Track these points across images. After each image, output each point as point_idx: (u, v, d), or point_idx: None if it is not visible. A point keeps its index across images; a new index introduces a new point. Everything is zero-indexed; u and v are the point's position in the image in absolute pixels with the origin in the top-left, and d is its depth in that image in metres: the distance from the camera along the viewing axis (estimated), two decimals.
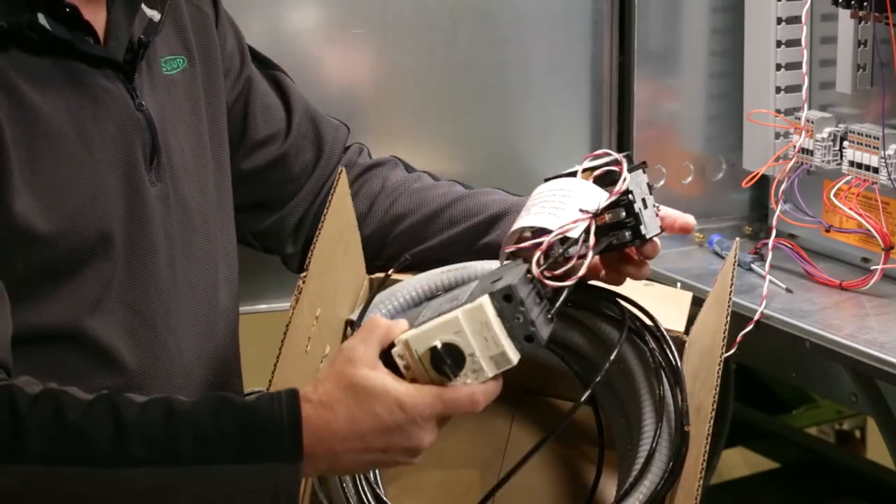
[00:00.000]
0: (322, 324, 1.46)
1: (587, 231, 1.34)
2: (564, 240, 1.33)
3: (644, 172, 1.40)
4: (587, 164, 1.42)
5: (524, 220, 1.38)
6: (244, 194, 1.67)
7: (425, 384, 1.24)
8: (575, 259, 1.32)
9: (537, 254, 1.30)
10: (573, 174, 1.42)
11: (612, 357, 1.40)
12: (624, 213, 1.37)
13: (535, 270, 1.29)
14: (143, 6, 1.49)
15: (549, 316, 1.28)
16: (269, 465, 1.23)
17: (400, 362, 1.24)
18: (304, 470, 1.24)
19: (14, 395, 1.24)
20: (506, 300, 1.23)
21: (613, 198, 1.37)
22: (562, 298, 1.30)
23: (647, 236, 1.39)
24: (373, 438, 1.24)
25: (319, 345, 1.46)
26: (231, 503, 1.25)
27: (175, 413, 1.24)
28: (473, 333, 1.23)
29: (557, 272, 1.30)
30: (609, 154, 1.41)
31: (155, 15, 1.51)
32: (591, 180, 1.40)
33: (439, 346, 1.23)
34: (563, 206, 1.37)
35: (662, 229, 1.43)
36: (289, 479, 1.24)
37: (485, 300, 1.23)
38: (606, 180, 1.40)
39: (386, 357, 1.25)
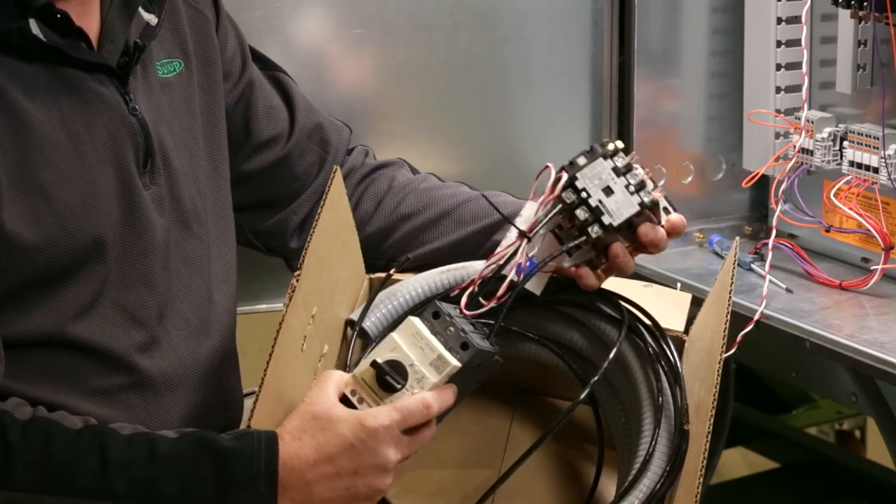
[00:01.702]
0: (319, 323, 1.46)
1: (517, 251, 1.40)
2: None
3: (607, 158, 1.41)
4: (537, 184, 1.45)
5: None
6: (247, 194, 1.67)
7: None
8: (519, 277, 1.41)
9: (465, 294, 1.41)
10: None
11: (610, 356, 1.41)
12: (585, 213, 1.40)
13: (462, 308, 1.39)
14: (141, 9, 1.49)
15: (487, 334, 1.39)
16: None
17: (354, 399, 1.34)
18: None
19: (4, 421, 1.29)
20: (434, 317, 1.35)
21: (541, 211, 1.41)
22: (498, 321, 1.41)
23: (614, 223, 1.40)
24: (341, 460, 1.31)
25: (317, 344, 1.46)
26: None
27: (158, 453, 1.30)
28: (409, 346, 1.34)
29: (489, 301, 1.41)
30: (548, 167, 1.43)
31: (152, 19, 1.50)
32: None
33: (380, 361, 1.33)
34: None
35: (646, 204, 1.42)
36: None
37: (412, 318, 1.35)
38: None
39: (344, 403, 1.34)
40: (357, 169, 1.74)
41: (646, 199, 1.41)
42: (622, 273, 1.48)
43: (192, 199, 1.53)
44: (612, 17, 2.13)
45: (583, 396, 1.40)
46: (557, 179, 1.40)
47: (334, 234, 1.51)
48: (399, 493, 1.53)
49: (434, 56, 2.05)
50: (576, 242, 1.41)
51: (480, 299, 1.41)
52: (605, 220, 1.40)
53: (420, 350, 1.34)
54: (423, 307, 1.39)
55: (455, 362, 1.33)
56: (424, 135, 2.08)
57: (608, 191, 1.40)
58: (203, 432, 1.34)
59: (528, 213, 1.43)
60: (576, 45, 2.13)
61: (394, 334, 1.35)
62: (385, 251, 1.69)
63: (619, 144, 1.42)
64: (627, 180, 1.41)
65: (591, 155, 1.41)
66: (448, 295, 1.47)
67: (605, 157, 1.41)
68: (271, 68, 1.74)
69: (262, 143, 1.69)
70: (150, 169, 1.48)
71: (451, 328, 1.35)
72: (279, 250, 1.74)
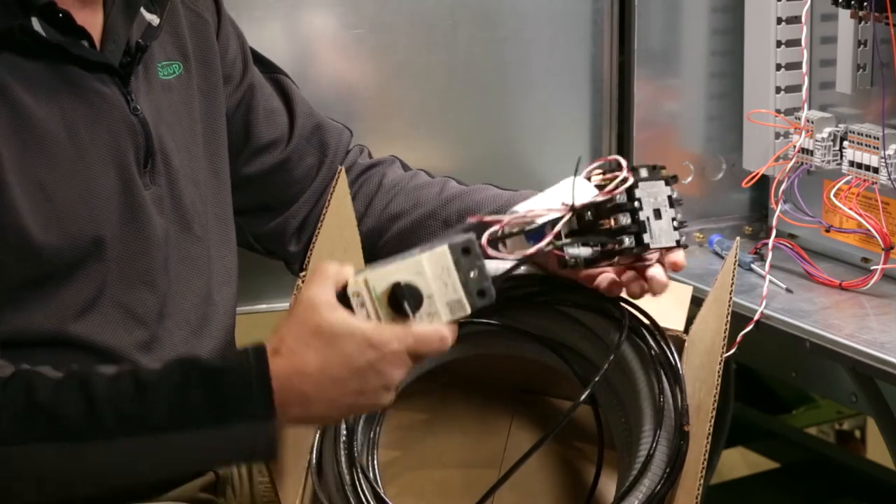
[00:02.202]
0: None
1: (555, 222, 1.36)
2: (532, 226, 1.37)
3: (668, 185, 1.40)
4: (594, 165, 1.43)
5: (518, 206, 1.41)
6: (247, 197, 1.67)
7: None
8: (540, 245, 1.36)
9: (492, 228, 1.35)
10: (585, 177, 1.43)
11: (611, 358, 1.40)
12: (627, 220, 1.38)
13: (484, 240, 1.32)
14: (143, 10, 1.49)
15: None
16: (244, 425, 1.25)
17: (355, 301, 1.26)
18: (279, 423, 1.26)
19: None
20: (464, 252, 1.27)
21: (600, 198, 1.37)
22: (507, 271, 1.34)
23: (652, 246, 1.38)
24: (346, 381, 1.25)
25: None
26: (210, 464, 1.31)
27: (145, 384, 1.25)
28: (434, 276, 1.26)
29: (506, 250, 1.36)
30: (619, 161, 1.41)
31: (154, 19, 1.51)
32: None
33: (402, 282, 1.25)
34: (549, 197, 1.39)
35: (681, 244, 1.41)
36: (264, 435, 1.26)
37: (447, 246, 1.27)
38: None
39: (340, 298, 1.26)
40: (349, 169, 1.74)
41: (682, 240, 1.40)
42: (652, 292, 1.44)
43: (193, 200, 1.53)
44: (612, 17, 2.13)
45: (583, 398, 1.40)
46: (625, 179, 1.38)
47: (338, 234, 1.51)
48: (399, 493, 1.53)
49: (434, 56, 2.05)
50: (602, 242, 1.38)
51: (500, 246, 1.37)
52: (646, 238, 1.38)
53: (444, 285, 1.26)
54: (463, 232, 1.30)
55: (468, 310, 1.28)
56: (424, 135, 2.08)
57: (657, 213, 1.39)
58: (188, 356, 1.31)
59: (548, 202, 1.40)
60: (576, 45, 2.13)
61: (423, 258, 1.27)
62: (380, 251, 1.69)
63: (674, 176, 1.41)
64: (676, 213, 1.39)
65: (654, 172, 1.39)
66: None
67: (665, 182, 1.40)
68: (272, 70, 1.74)
69: (261, 146, 1.69)
70: (151, 169, 1.48)
71: (475, 271, 1.27)
72: (279, 253, 1.74)
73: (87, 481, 1.28)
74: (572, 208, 1.37)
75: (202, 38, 1.60)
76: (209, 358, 1.30)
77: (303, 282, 1.37)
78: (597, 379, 1.40)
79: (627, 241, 1.38)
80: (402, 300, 1.25)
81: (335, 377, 1.25)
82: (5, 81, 1.37)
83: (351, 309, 1.26)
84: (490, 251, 1.32)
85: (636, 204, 1.38)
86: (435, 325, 1.27)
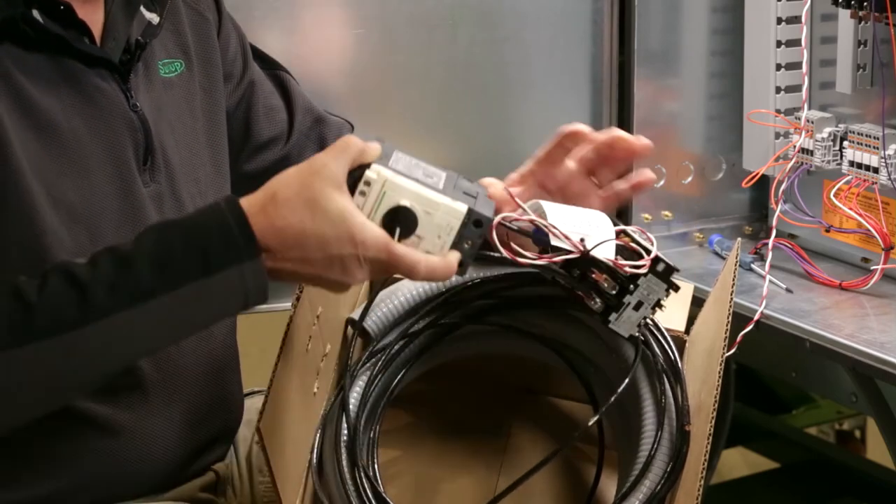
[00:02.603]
0: (323, 323, 1.46)
1: (555, 249, 1.36)
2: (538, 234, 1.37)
3: (668, 291, 1.39)
4: (630, 229, 1.42)
5: (547, 207, 1.40)
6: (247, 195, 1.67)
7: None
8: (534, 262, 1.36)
9: (510, 216, 1.36)
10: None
11: (626, 381, 1.41)
12: (613, 291, 1.38)
13: (495, 222, 1.31)
14: (143, 8, 1.49)
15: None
16: (232, 268, 1.25)
17: (362, 186, 1.26)
18: (265, 263, 1.26)
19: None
20: (476, 224, 1.28)
21: (610, 264, 1.37)
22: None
23: (610, 325, 1.39)
24: (313, 258, 1.26)
25: (320, 344, 1.46)
26: (207, 316, 1.29)
27: (124, 255, 1.25)
28: (437, 225, 1.26)
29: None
30: (650, 241, 1.41)
31: (154, 18, 1.51)
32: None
33: (408, 205, 1.26)
34: (582, 222, 1.40)
35: (635, 345, 1.43)
36: (254, 275, 1.26)
37: (467, 209, 1.27)
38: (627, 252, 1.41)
39: (351, 174, 1.27)
40: None
41: (639, 337, 1.42)
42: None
43: (192, 198, 1.53)
44: (612, 17, 2.13)
45: (591, 423, 1.40)
46: (640, 267, 1.37)
47: None
48: (399, 493, 1.53)
49: (434, 56, 2.05)
50: (578, 287, 1.38)
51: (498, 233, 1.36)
52: (612, 317, 1.38)
53: (437, 238, 1.27)
54: (474, 202, 1.29)
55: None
56: (424, 135, 2.08)
57: (638, 305, 1.38)
58: (159, 221, 1.31)
59: (573, 224, 1.39)
60: (576, 45, 2.13)
61: (442, 203, 1.27)
62: None
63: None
64: (651, 315, 1.40)
65: (666, 272, 1.38)
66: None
67: (668, 288, 1.39)
68: (272, 66, 1.75)
69: (262, 143, 1.69)
70: (150, 166, 1.48)
71: (470, 244, 1.28)
72: None
73: (94, 366, 1.28)
74: (583, 254, 1.36)
75: (203, 37, 1.60)
76: (181, 218, 1.30)
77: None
78: (607, 406, 1.41)
79: (597, 304, 1.38)
80: (396, 224, 1.26)
81: (304, 247, 1.25)
82: (8, 70, 1.37)
83: (353, 189, 1.26)
84: (492, 236, 1.32)
85: (631, 287, 1.38)
86: (416, 255, 1.27)
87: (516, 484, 1.38)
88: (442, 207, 1.27)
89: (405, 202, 1.26)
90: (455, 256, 1.29)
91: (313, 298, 1.42)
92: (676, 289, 1.39)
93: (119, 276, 1.25)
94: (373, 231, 1.26)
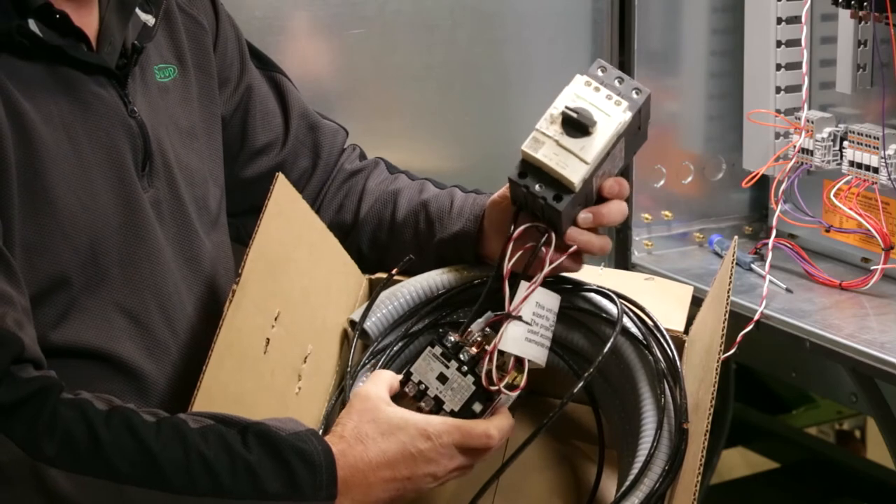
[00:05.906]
0: (290, 324, 1.46)
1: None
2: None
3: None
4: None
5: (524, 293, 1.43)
6: (244, 200, 1.66)
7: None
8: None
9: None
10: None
11: (605, 350, 1.42)
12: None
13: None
14: (138, 10, 1.49)
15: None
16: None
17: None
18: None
19: (85, 409, 1.28)
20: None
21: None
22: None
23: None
24: (400, 466, 1.36)
25: (291, 345, 1.46)
26: None
27: (232, 449, 1.31)
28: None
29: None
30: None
31: (149, 20, 1.50)
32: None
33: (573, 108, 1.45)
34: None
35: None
36: None
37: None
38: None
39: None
40: (340, 173, 1.73)
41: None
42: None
43: (191, 202, 1.53)
44: (612, 17, 2.13)
45: (576, 390, 1.41)
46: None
47: (291, 237, 1.50)
48: None
49: (434, 56, 2.05)
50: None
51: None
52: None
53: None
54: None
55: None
56: (424, 135, 2.08)
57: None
58: (262, 427, 1.34)
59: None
60: (576, 45, 2.13)
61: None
62: (362, 259, 1.67)
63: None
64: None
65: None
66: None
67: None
68: (270, 69, 1.74)
69: (257, 149, 1.69)
70: (149, 171, 1.48)
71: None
72: None
73: None
74: (507, 315, 1.41)
75: (198, 43, 1.59)
76: (283, 433, 1.34)
77: (237, 285, 1.38)
78: (590, 371, 1.41)
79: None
80: (573, 123, 1.44)
81: (390, 461, 1.36)
82: (3, 84, 1.36)
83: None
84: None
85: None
86: (482, 426, 1.38)
87: (505, 466, 1.42)
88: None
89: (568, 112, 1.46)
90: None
91: (261, 302, 1.42)
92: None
93: (222, 469, 1.30)
94: (438, 421, 1.38)
